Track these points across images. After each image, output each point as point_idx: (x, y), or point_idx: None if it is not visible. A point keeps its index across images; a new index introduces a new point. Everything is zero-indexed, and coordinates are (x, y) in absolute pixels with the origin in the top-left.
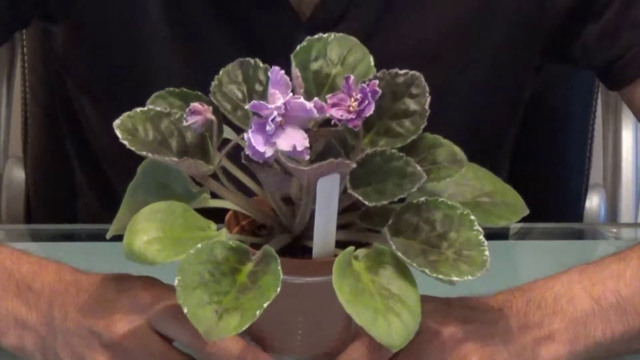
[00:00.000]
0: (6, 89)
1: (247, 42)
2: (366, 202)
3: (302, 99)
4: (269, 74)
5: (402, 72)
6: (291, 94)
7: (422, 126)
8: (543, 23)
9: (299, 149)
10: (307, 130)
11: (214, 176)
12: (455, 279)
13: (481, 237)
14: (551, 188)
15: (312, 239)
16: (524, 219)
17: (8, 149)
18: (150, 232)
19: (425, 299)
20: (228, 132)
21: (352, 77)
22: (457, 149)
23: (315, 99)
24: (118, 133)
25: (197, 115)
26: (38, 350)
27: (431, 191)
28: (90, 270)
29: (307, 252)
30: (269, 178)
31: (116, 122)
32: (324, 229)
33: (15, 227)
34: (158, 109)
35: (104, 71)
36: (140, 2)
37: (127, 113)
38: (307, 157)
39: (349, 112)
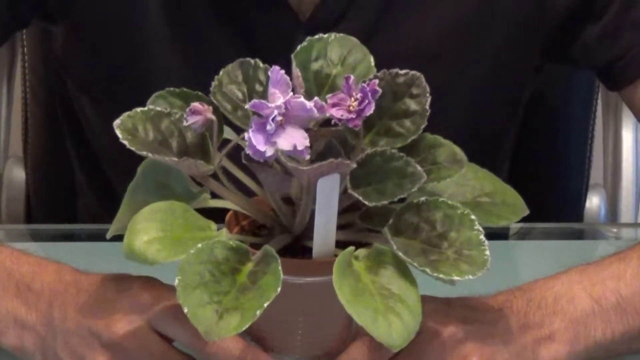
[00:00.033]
0: (6, 89)
1: (247, 42)
2: (366, 202)
3: (302, 99)
4: (269, 73)
5: (403, 72)
6: (291, 93)
7: (423, 126)
8: (543, 23)
9: (300, 148)
10: (307, 130)
11: (214, 176)
12: (456, 278)
13: (482, 237)
14: (551, 188)
15: (312, 239)
16: (524, 219)
17: (8, 149)
18: (151, 232)
19: (425, 299)
20: (228, 132)
21: (352, 77)
22: (457, 149)
23: (316, 98)
24: (118, 133)
25: (197, 115)
26: (38, 350)
27: (431, 191)
28: (90, 270)
29: (307, 252)
30: (269, 178)
31: (116, 122)
32: (324, 229)
33: (15, 227)
34: (158, 109)
35: (104, 71)
36: (140, 2)
37: (127, 113)
38: (308, 157)
39: (349, 111)
